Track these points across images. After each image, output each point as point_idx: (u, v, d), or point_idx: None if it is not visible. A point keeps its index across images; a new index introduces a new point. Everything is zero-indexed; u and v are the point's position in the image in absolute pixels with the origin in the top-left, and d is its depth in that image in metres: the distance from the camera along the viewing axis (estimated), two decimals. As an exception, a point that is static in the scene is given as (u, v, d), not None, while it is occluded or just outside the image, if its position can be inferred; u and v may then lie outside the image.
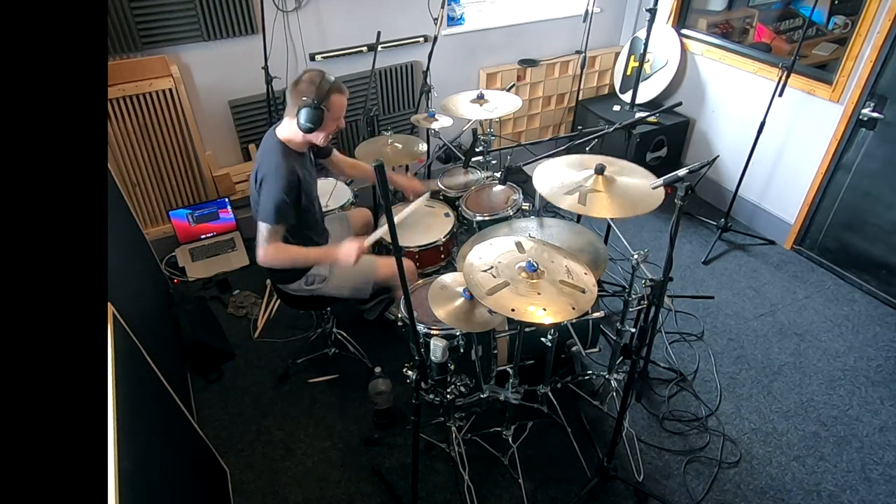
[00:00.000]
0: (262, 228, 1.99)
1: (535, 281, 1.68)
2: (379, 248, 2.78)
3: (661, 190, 1.81)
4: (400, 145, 2.86)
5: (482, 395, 2.21)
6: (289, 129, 2.04)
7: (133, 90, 2.83)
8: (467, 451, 2.25)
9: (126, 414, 1.31)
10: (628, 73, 3.97)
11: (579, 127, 3.61)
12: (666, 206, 1.82)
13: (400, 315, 2.30)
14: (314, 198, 2.23)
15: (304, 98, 1.92)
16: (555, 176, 2.03)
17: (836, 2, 3.01)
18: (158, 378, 1.80)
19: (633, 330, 2.12)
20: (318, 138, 2.04)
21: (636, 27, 4.07)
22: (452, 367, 2.01)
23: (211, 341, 2.68)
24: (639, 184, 1.95)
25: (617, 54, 4.17)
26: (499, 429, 2.29)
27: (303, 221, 2.14)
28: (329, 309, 2.56)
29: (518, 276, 1.70)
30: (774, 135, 3.33)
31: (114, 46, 2.75)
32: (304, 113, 1.93)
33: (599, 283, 2.44)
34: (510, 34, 3.80)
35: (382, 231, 2.28)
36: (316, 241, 2.29)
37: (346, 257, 2.07)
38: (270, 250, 2.01)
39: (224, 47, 3.03)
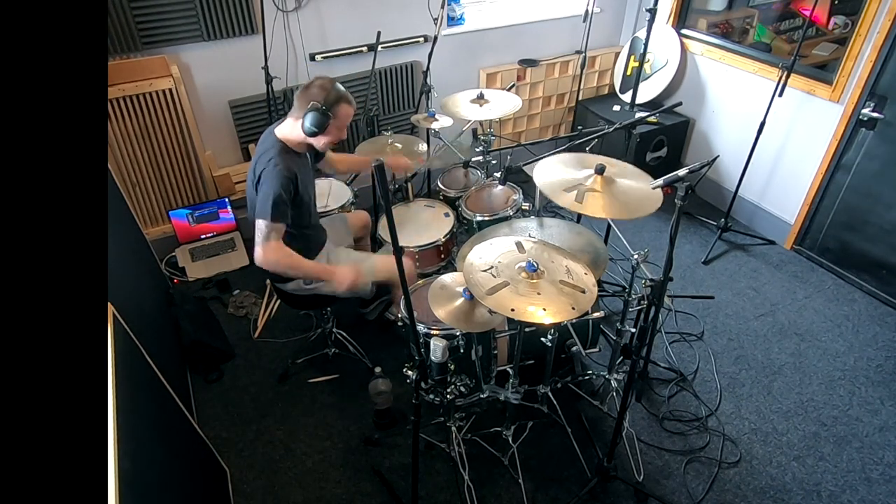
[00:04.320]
0: (261, 225, 1.98)
1: (535, 281, 1.68)
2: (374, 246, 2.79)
3: (660, 192, 1.81)
4: (400, 145, 2.86)
5: (482, 395, 2.21)
6: (290, 128, 2.06)
7: (133, 90, 2.83)
8: (467, 451, 2.25)
9: (126, 414, 1.31)
10: (628, 73, 3.97)
11: (579, 127, 3.60)
12: (666, 206, 1.82)
13: (400, 315, 2.30)
14: (311, 198, 2.24)
15: (313, 102, 1.96)
16: (555, 173, 2.03)
17: (836, 2, 3.01)
18: (158, 378, 1.80)
19: (633, 330, 2.12)
20: (320, 143, 2.08)
21: (636, 27, 4.07)
22: (452, 367, 2.01)
23: (211, 341, 2.68)
24: (638, 186, 1.95)
25: (617, 54, 4.17)
26: (499, 429, 2.29)
27: (299, 221, 2.14)
28: (329, 309, 2.56)
29: (518, 276, 1.70)
30: (774, 135, 3.33)
31: (114, 46, 2.75)
32: (310, 116, 1.96)
33: (599, 283, 2.44)
34: (510, 34, 3.80)
35: (382, 262, 2.34)
36: (315, 239, 2.31)
37: (341, 282, 2.13)
38: (270, 249, 1.99)
39: (224, 47, 3.03)
